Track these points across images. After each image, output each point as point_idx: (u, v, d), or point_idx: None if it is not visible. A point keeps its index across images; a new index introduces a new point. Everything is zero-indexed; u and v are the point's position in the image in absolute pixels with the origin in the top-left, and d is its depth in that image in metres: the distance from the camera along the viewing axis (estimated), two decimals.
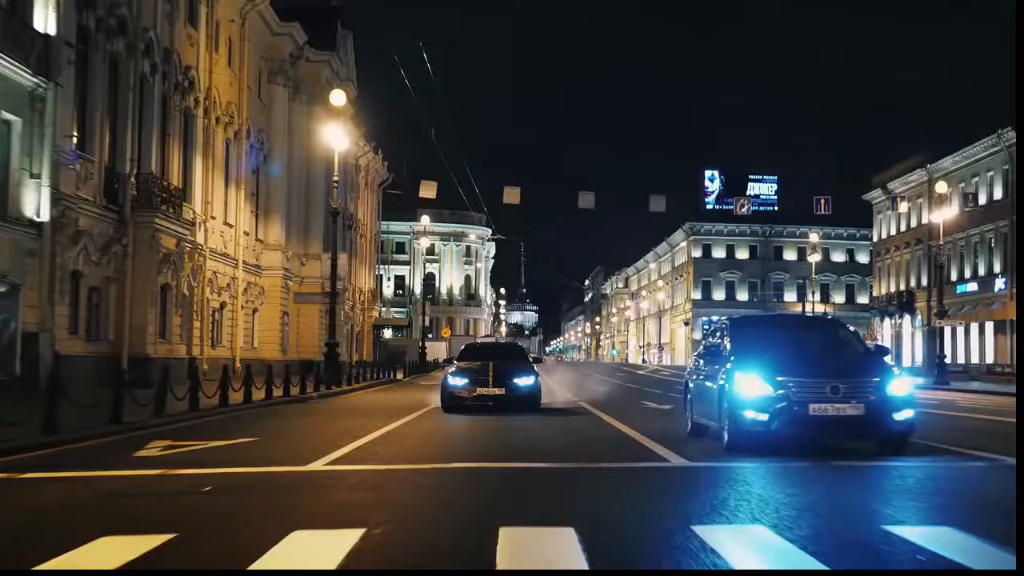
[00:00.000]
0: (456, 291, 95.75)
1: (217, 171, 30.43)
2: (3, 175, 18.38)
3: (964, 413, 17.56)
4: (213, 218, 29.88)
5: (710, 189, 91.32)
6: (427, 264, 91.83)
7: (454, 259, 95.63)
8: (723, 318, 11.91)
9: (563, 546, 4.78)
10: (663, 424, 13.02)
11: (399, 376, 38.75)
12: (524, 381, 16.56)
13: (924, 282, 55.78)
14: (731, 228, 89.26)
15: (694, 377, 11.14)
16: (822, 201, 43.51)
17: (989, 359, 48.09)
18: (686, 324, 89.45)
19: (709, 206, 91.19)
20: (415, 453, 9.85)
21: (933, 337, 52.01)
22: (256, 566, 4.45)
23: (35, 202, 19.10)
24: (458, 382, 16.53)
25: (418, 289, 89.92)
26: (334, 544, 4.84)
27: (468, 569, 4.36)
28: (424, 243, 62.07)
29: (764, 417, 8.46)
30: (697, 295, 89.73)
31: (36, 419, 10.74)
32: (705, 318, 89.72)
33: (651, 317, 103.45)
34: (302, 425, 14.08)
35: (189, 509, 6.21)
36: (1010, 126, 46.11)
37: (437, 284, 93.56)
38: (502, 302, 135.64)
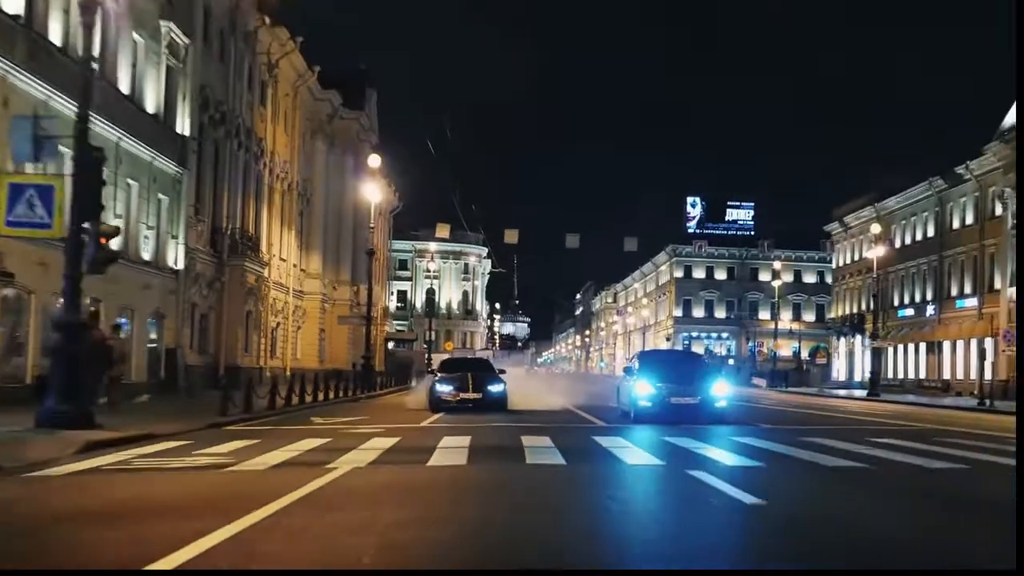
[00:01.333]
0: (455, 306, 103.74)
1: (275, 217, 38.49)
2: (158, 238, 26.39)
3: (826, 412, 25.61)
4: (273, 255, 37.93)
5: (692, 214, 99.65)
6: (428, 281, 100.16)
7: (453, 276, 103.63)
8: (636, 353, 20.15)
9: (547, 444, 12.68)
10: (608, 411, 21.03)
11: (412, 383, 46.67)
12: (496, 388, 21.52)
13: (864, 306, 64.12)
14: (711, 251, 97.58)
15: (620, 383, 19.27)
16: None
17: (922, 375, 56.30)
18: (668, 339, 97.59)
19: (691, 230, 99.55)
20: (467, 416, 17.82)
21: (877, 355, 60.49)
22: (440, 445, 12.28)
23: (174, 255, 27.14)
24: (444, 389, 21.29)
25: (419, 303, 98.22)
26: (459, 441, 12.70)
27: (468, 569, 4.69)
28: (432, 265, 69.89)
29: (649, 404, 16.47)
30: (679, 312, 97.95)
31: (210, 406, 18.27)
32: (685, 333, 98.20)
33: (636, 332, 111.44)
34: (381, 411, 21.95)
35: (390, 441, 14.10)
36: (939, 175, 54.55)
37: (437, 299, 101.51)
38: (496, 316, 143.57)
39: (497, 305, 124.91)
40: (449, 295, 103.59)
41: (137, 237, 24.73)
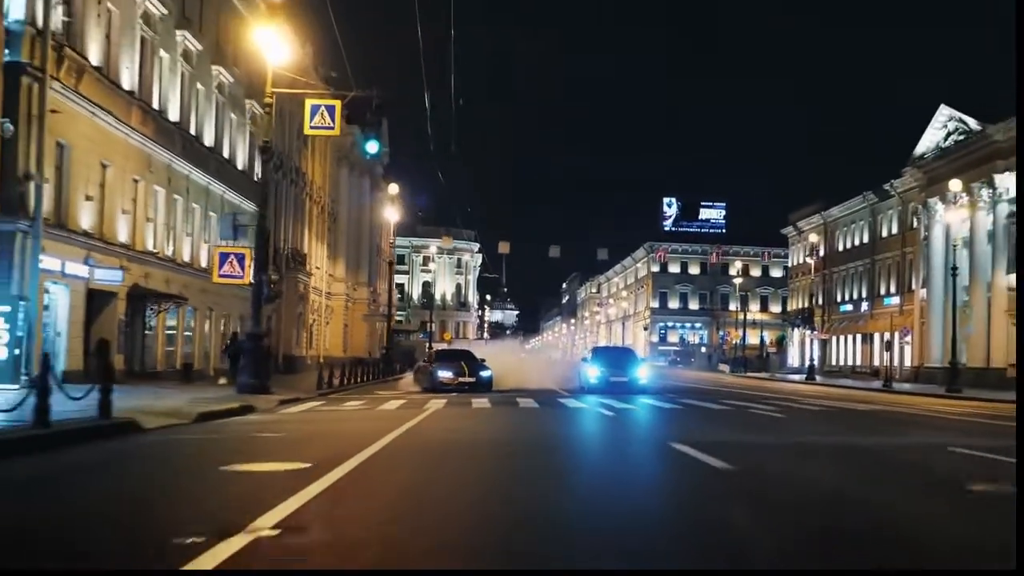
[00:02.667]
0: (448, 298, 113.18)
1: (313, 234, 47.90)
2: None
3: (737, 389, 35.15)
4: (312, 266, 47.36)
5: (668, 214, 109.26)
6: (424, 274, 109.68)
7: (447, 270, 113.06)
8: (591, 347, 29.90)
9: (531, 402, 22.11)
10: (572, 386, 30.46)
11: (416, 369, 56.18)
12: (486, 373, 27.19)
13: (817, 301, 73.89)
14: (685, 247, 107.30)
15: (579, 367, 28.77)
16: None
17: (858, 362, 66.16)
18: (645, 329, 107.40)
19: (667, 228, 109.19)
20: (470, 395, 27.28)
21: (823, 345, 70.62)
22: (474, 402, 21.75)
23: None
24: (445, 373, 26.78)
25: (415, 295, 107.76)
26: (483, 401, 22.16)
27: (469, 569, 4.84)
28: (431, 264, 79.23)
29: (595, 381, 25.98)
30: (655, 304, 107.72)
31: (302, 383, 27.90)
32: (661, 324, 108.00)
33: (618, 321, 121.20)
34: (414, 386, 31.32)
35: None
36: (871, 190, 64.25)
37: (433, 292, 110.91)
38: (487, 307, 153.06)
39: (488, 297, 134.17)
40: (444, 288, 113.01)
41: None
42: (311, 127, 23.19)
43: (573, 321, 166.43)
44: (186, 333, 30.29)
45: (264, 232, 22.71)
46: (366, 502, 6.86)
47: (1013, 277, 46.62)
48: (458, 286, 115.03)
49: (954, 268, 43.58)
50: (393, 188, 45.99)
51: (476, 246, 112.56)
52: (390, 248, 62.42)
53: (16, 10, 18.93)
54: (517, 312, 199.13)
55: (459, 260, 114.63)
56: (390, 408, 19.18)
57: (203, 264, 30.78)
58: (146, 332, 26.67)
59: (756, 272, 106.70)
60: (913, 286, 57.78)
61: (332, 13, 23.75)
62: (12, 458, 9.18)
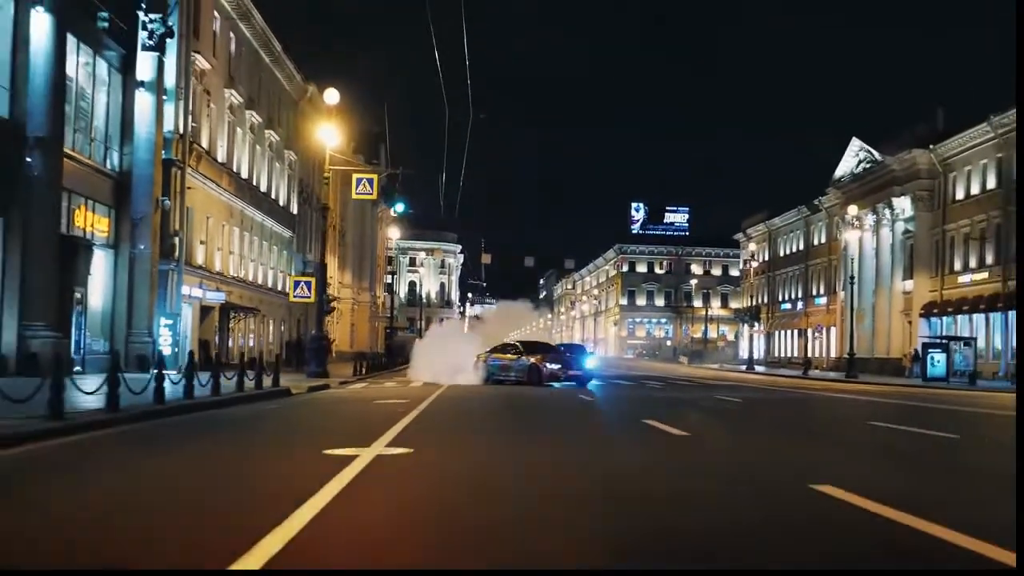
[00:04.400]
0: (433, 295, 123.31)
1: (329, 249, 57.87)
2: (278, 278, 45.92)
3: (672, 376, 45.49)
4: (329, 276, 57.40)
5: (636, 217, 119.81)
6: (411, 274, 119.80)
7: (432, 271, 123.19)
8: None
9: (513, 387, 32.32)
10: None
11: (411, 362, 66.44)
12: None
13: (763, 299, 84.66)
14: (651, 249, 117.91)
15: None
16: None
17: (793, 354, 76.93)
18: (615, 324, 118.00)
19: (635, 230, 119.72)
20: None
21: (767, 338, 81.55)
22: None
23: (286, 285, 46.75)
24: (552, 366, 31.23)
25: (402, 293, 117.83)
26: (473, 380, 32.34)
27: (468, 569, 4.79)
28: (419, 267, 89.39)
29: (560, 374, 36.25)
30: (624, 301, 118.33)
31: (338, 370, 38.06)
32: (631, 320, 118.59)
33: (591, 317, 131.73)
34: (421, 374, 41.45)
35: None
36: (805, 204, 74.90)
37: (419, 290, 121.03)
38: (468, 302, 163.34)
39: (469, 295, 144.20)
40: (429, 287, 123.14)
41: (276, 276, 44.36)
42: (356, 193, 33.34)
43: (550, 316, 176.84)
44: (250, 335, 40.46)
45: (324, 267, 32.88)
46: (443, 416, 16.98)
47: (908, 283, 57.47)
48: (442, 285, 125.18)
49: (852, 277, 54.53)
50: (398, 209, 56.16)
51: (459, 247, 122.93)
52: (385, 259, 72.59)
53: (168, 124, 28.99)
54: (495, 305, 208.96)
55: (443, 261, 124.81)
56: (417, 385, 29.36)
57: (260, 281, 40.93)
58: (228, 334, 36.80)
59: (717, 271, 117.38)
60: (836, 288, 68.51)
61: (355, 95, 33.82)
62: (244, 404, 19.21)
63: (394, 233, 56.11)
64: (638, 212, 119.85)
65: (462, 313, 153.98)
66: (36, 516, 5.76)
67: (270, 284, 43.61)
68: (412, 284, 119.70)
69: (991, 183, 49.61)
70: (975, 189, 51.35)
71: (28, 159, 21.53)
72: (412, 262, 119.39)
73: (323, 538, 4.99)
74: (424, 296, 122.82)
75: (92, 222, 25.78)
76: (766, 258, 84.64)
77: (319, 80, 45.74)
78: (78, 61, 24.87)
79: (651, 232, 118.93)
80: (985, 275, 49.79)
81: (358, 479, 7.09)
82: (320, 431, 12.84)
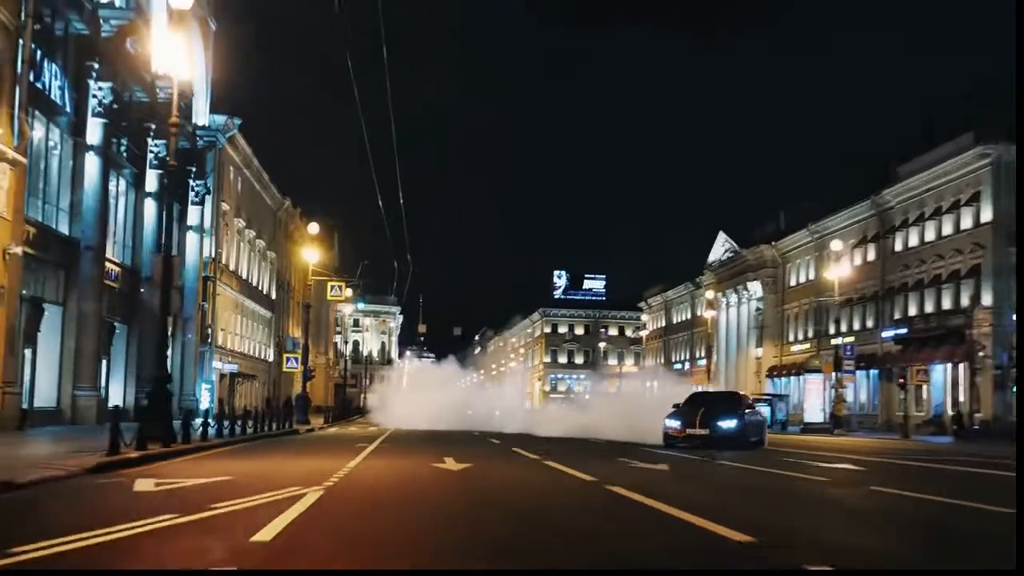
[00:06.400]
0: (375, 354, 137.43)
1: (294, 321, 72.19)
2: (261, 349, 60.21)
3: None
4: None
5: (558, 284, 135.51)
6: (355, 334, 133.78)
7: (374, 331, 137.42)
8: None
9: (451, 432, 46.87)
10: None
11: (368, 413, 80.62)
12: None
13: (661, 360, 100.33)
14: (572, 312, 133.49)
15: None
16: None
17: None
18: (539, 380, 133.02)
19: (557, 296, 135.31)
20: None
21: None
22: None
23: (267, 354, 61.07)
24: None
25: (347, 352, 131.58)
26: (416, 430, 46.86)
27: (468, 569, 5.21)
28: (362, 330, 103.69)
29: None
30: (548, 359, 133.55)
31: (314, 420, 52.37)
32: (552, 376, 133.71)
33: (519, 373, 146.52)
34: (368, 423, 55.76)
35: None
36: (690, 281, 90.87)
37: (361, 349, 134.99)
38: (405, 359, 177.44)
39: (408, 352, 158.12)
40: (371, 346, 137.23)
41: (260, 348, 58.62)
42: (331, 296, 47.80)
43: (482, 371, 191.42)
44: (246, 394, 54.55)
45: (307, 347, 47.40)
46: (397, 443, 31.37)
47: (759, 349, 73.28)
48: (383, 344, 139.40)
49: (709, 347, 70.18)
50: (350, 297, 70.81)
51: (398, 309, 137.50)
52: (335, 324, 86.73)
53: (207, 251, 43.47)
54: (433, 360, 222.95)
55: (384, 321, 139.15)
56: (374, 429, 43.68)
57: (252, 353, 55.18)
58: (235, 393, 50.90)
59: (630, 332, 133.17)
60: (713, 353, 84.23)
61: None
62: (271, 438, 33.45)
63: (347, 308, 70.53)
64: (560, 279, 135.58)
65: (400, 369, 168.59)
66: (242, 465, 20.22)
67: (257, 355, 57.89)
68: (356, 343, 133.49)
69: (811, 275, 65.67)
70: (802, 279, 67.50)
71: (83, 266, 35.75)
72: (356, 323, 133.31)
73: (354, 479, 19.62)
74: (367, 354, 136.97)
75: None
76: (662, 324, 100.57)
77: (290, 192, 60.57)
78: (143, 208, 39.18)
79: (571, 297, 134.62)
80: (807, 345, 65.69)
81: (360, 461, 21.64)
82: (333, 446, 27.20)
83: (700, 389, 55.24)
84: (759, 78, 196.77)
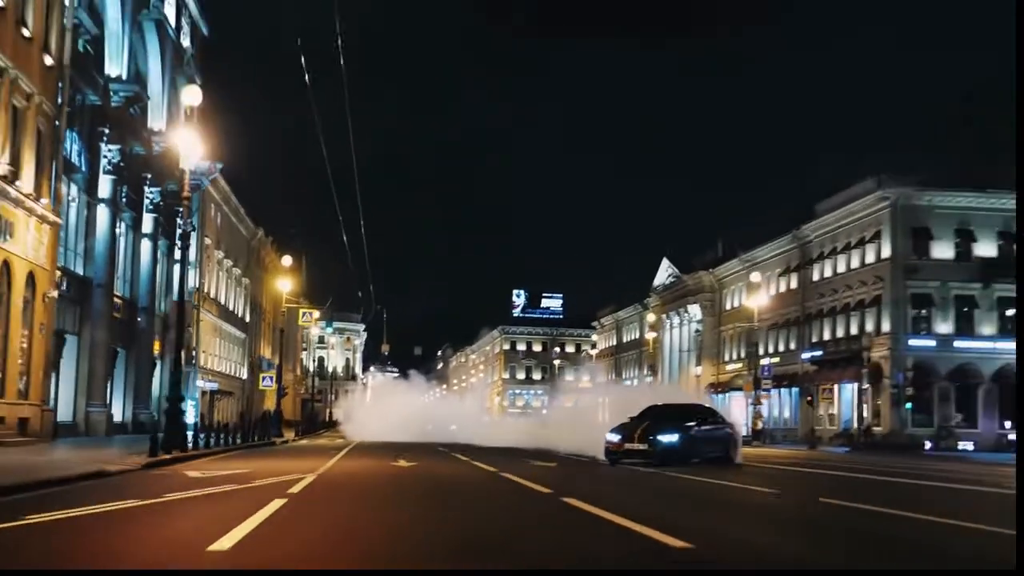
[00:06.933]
0: (340, 370, 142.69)
1: (266, 342, 77.54)
2: (236, 368, 65.69)
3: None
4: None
5: (516, 303, 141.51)
6: (320, 350, 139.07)
7: (338, 347, 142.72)
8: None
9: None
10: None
11: (336, 426, 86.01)
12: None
13: (613, 377, 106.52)
14: (530, 330, 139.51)
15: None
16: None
17: None
18: (498, 395, 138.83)
19: (516, 314, 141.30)
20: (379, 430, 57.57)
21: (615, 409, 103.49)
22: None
23: (241, 372, 66.51)
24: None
25: (312, 367, 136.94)
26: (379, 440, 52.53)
27: (467, 569, 5.29)
28: (328, 347, 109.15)
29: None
30: (506, 376, 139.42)
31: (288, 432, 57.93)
32: (511, 391, 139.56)
33: (479, 388, 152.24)
34: (335, 434, 61.27)
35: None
36: (639, 302, 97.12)
37: (327, 365, 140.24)
38: (371, 375, 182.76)
39: (372, 368, 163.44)
40: (336, 362, 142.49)
41: (235, 368, 64.04)
42: (302, 322, 53.38)
43: (445, 386, 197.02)
44: (222, 409, 59.90)
45: (281, 368, 52.96)
46: (363, 451, 37.02)
47: (699, 368, 79.50)
48: (347, 360, 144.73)
49: (651, 365, 76.32)
50: (311, 319, 76.29)
51: (363, 327, 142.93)
52: (302, 342, 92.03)
53: (190, 282, 48.97)
54: (397, 375, 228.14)
55: (348, 338, 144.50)
56: (342, 440, 49.20)
57: (227, 372, 60.58)
58: (214, 409, 56.25)
59: (587, 347, 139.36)
60: (657, 370, 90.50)
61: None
62: (255, 448, 38.99)
63: (315, 332, 76.07)
64: (519, 298, 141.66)
65: (364, 384, 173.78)
66: (250, 464, 25.91)
67: (233, 373, 63.34)
68: (321, 359, 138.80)
69: (743, 301, 72.00)
70: (736, 303, 73.83)
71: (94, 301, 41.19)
72: (321, 340, 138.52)
73: (333, 470, 25.39)
74: (332, 370, 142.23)
75: (156, 347, 45.64)
76: (614, 343, 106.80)
77: (261, 217, 66.24)
78: (140, 247, 44.63)
79: (530, 316, 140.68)
80: (739, 365, 71.97)
81: (335, 461, 27.41)
82: (311, 453, 32.84)
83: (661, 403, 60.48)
84: (719, 101, 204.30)
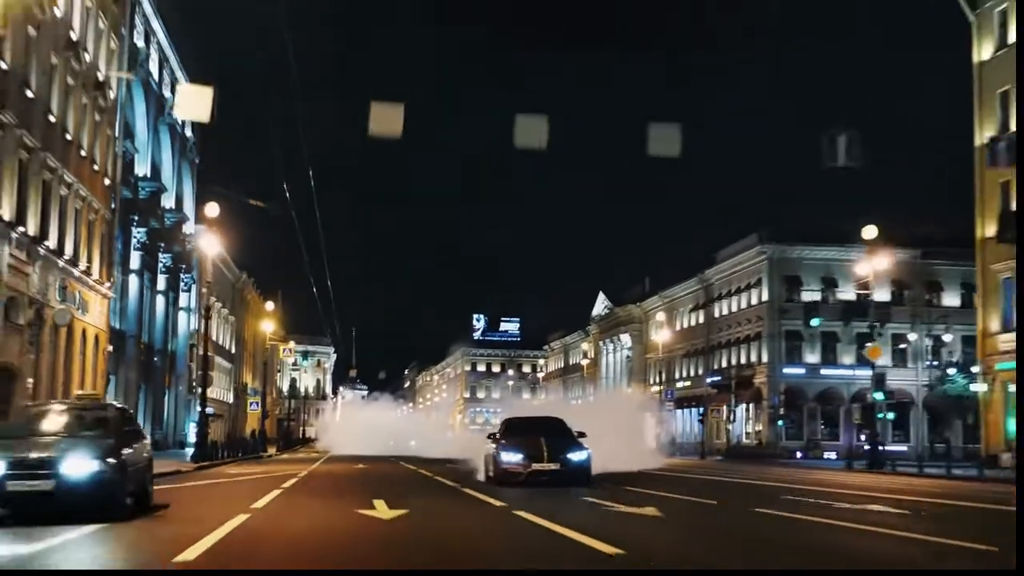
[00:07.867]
0: (311, 390, 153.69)
1: (247, 368, 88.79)
2: (223, 394, 77.21)
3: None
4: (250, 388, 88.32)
5: (477, 326, 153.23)
6: (292, 372, 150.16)
7: (310, 369, 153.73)
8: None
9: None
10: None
11: (311, 443, 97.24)
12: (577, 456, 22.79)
13: (562, 396, 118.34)
14: (490, 352, 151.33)
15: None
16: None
17: None
18: (460, 414, 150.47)
19: (476, 337, 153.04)
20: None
21: None
22: None
23: (227, 396, 77.99)
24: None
25: (285, 388, 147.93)
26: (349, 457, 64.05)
27: (468, 569, 5.60)
28: (299, 369, 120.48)
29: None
30: (467, 395, 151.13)
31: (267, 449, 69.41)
32: (472, 410, 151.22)
33: (443, 406, 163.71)
34: (309, 451, 72.63)
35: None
36: (582, 329, 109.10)
37: (299, 386, 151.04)
38: (340, 395, 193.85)
39: (341, 388, 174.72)
40: (307, 382, 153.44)
41: (224, 393, 75.46)
42: (282, 356, 64.90)
43: (411, 405, 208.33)
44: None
45: (264, 395, 64.50)
46: (335, 459, 48.48)
47: (630, 390, 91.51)
48: (318, 380, 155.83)
49: (592, 386, 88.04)
50: (292, 344, 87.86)
51: (332, 348, 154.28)
52: (276, 366, 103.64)
53: (192, 325, 60.44)
54: (366, 393, 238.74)
55: (319, 361, 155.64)
56: (317, 453, 60.60)
57: (219, 398, 72.04)
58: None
59: (511, 380, 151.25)
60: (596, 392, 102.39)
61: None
62: (248, 460, 50.43)
63: (288, 358, 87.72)
64: (479, 322, 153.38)
65: (334, 404, 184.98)
66: (262, 467, 37.51)
67: (222, 399, 74.73)
68: (294, 380, 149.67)
69: (665, 334, 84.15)
70: (661, 336, 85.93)
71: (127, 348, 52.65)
72: (294, 363, 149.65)
73: (318, 470, 37.03)
74: (304, 390, 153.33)
75: (166, 380, 57.07)
76: (562, 365, 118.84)
77: (247, 267, 77.89)
78: (156, 302, 55.97)
79: (489, 338, 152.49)
80: (660, 388, 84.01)
81: (317, 466, 39.03)
82: (296, 461, 44.37)
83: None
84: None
